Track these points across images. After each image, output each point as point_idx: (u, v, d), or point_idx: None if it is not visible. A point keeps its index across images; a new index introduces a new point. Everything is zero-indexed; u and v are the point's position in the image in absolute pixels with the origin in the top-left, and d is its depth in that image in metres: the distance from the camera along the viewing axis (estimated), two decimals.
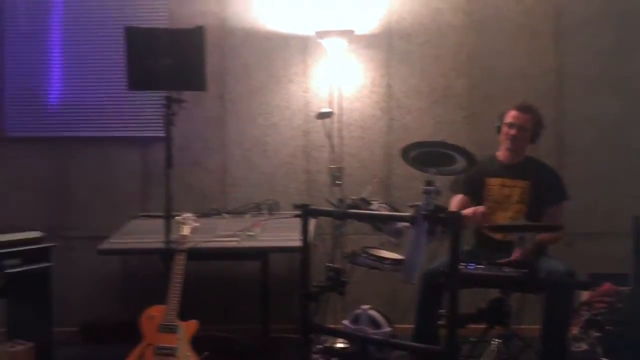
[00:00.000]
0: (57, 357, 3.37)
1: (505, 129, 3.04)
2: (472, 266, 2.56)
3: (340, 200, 2.76)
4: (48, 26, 3.76)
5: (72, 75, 3.78)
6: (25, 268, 3.15)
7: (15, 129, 3.76)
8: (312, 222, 3.00)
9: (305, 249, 2.74)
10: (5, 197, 3.45)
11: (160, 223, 3.28)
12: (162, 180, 3.77)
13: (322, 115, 3.43)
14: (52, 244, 3.38)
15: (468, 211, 2.84)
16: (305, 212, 2.74)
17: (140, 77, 2.98)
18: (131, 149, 3.80)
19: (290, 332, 3.60)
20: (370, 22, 3.70)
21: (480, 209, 2.86)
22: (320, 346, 2.90)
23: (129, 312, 3.72)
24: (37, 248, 3.27)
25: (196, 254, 3.03)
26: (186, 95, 3.02)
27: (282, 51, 3.73)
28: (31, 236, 3.28)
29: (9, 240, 3.10)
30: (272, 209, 3.61)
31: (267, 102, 3.75)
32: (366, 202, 2.72)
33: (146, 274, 3.70)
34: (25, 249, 3.18)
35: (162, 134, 3.71)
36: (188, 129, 3.61)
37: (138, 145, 3.79)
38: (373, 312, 2.74)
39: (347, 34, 3.49)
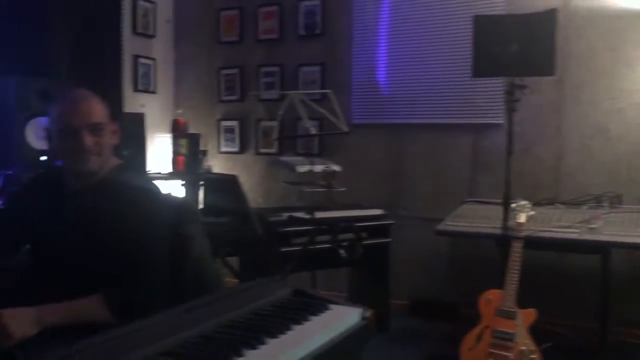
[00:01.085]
0: (391, 326, 3.70)
1: None
2: None
3: None
4: (388, 19, 4.08)
5: (409, 66, 4.03)
6: (371, 241, 3.51)
7: (358, 117, 4.16)
8: None
9: None
10: (350, 176, 3.85)
11: (490, 209, 3.31)
12: (490, 167, 3.83)
13: None
14: (391, 222, 3.71)
15: None
16: None
17: (486, 64, 3.02)
18: (463, 135, 3.90)
19: (632, 336, 3.32)
20: None
21: None
22: None
23: (455, 293, 3.90)
24: (380, 224, 3.63)
25: (532, 243, 2.97)
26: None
27: (634, 30, 3.40)
28: (376, 213, 3.65)
29: (362, 216, 3.49)
30: (615, 202, 3.33)
31: (613, 85, 3.47)
32: None
33: (474, 258, 3.79)
34: (371, 224, 3.54)
35: (493, 121, 3.77)
36: (522, 115, 3.52)
37: (470, 132, 3.88)
38: None
39: None
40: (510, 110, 3.05)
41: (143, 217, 1.73)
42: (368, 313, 1.42)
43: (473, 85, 3.76)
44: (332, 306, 1.39)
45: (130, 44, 4.19)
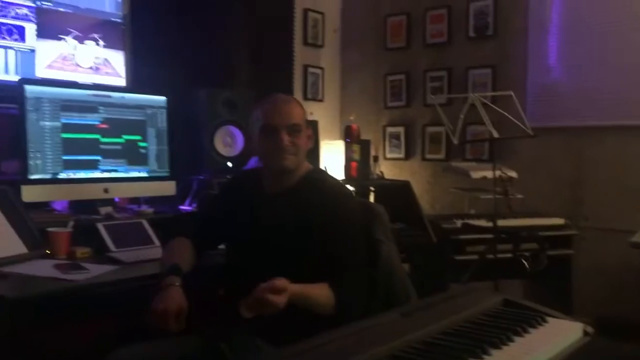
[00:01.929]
0: None
1: None
2: None
3: None
4: (566, 14, 3.81)
5: (591, 63, 3.72)
6: (552, 252, 3.28)
7: (534, 120, 3.89)
8: None
9: None
10: (524, 183, 3.62)
11: None
12: None
13: None
14: (574, 232, 3.44)
15: None
16: None
17: None
18: None
19: None
20: None
21: None
22: None
23: None
24: (561, 234, 3.39)
25: None
26: None
27: None
28: (556, 222, 3.42)
29: (542, 225, 3.29)
30: None
31: None
32: None
33: None
34: (552, 234, 3.31)
35: None
36: None
37: None
38: None
39: None
40: None
41: (342, 218, 1.74)
42: (590, 329, 1.30)
43: None
44: (549, 319, 1.29)
45: (300, 55, 4.35)
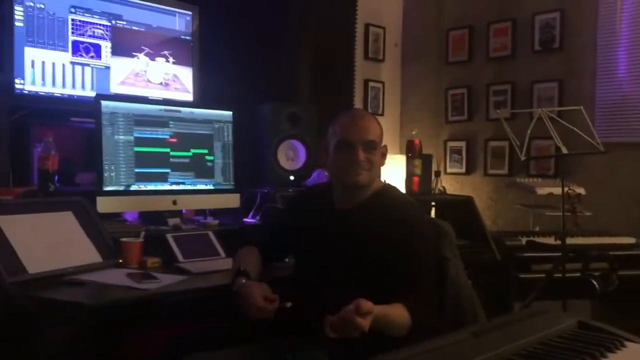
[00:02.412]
0: None
1: None
2: None
3: None
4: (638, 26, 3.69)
5: None
6: (622, 273, 3.13)
7: (603, 135, 3.76)
8: None
9: None
10: (592, 200, 3.50)
11: None
12: None
13: None
14: None
15: None
16: None
17: None
18: None
19: None
20: None
21: None
22: None
23: None
24: (633, 254, 3.25)
25: None
26: None
27: None
28: (627, 242, 3.28)
29: (612, 244, 3.17)
30: None
31: None
32: None
33: None
34: (623, 254, 3.18)
35: None
36: None
37: None
38: None
39: None
40: None
41: (415, 236, 1.74)
42: None
43: None
44: (628, 343, 1.24)
45: (361, 69, 4.36)
